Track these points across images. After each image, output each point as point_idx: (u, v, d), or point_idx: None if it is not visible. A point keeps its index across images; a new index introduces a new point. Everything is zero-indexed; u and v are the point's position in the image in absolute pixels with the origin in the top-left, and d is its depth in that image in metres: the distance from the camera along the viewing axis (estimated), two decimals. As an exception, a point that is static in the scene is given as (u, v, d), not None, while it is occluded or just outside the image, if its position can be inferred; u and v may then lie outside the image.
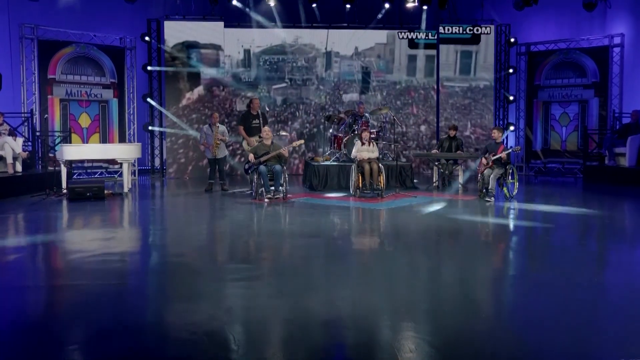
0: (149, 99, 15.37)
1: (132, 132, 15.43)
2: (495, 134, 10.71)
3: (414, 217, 8.47)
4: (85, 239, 6.80)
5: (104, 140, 14.73)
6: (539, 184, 14.17)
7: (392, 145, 12.37)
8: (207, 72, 15.36)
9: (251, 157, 10.48)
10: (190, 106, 15.30)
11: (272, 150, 10.51)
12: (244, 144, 12.05)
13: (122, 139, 15.05)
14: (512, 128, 16.47)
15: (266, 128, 10.81)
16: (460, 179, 12.56)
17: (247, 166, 10.58)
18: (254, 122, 12.03)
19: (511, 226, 8.00)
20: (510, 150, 10.63)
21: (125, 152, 11.24)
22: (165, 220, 8.62)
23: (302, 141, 10.91)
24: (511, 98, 16.41)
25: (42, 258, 6.24)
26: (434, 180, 12.63)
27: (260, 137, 11.37)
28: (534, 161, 16.43)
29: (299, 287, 4.69)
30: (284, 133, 12.29)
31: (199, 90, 15.36)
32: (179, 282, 4.82)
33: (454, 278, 5.07)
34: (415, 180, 12.53)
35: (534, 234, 7.39)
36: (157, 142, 15.82)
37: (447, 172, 12.51)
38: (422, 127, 16.15)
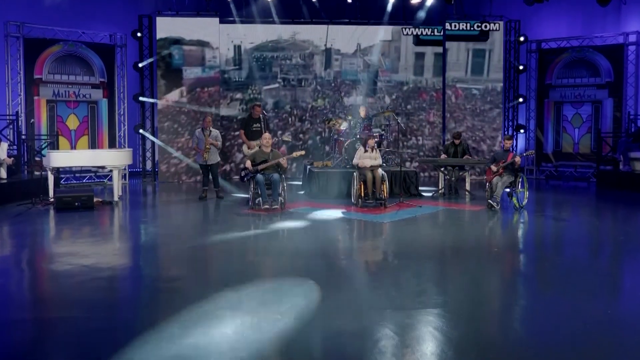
0: (141, 98, 15.31)
1: (122, 134, 15.39)
2: (505, 141, 10.69)
3: (418, 233, 8.41)
4: (70, 260, 6.75)
5: (93, 142, 14.70)
6: (550, 191, 14.14)
7: (397, 154, 12.30)
8: (192, 71, 15.26)
9: (248, 163, 10.44)
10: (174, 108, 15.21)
11: (271, 158, 10.47)
12: (244, 148, 12.10)
13: (112, 141, 15.01)
14: (522, 130, 16.42)
15: (266, 135, 10.76)
16: (467, 186, 12.52)
17: (243, 173, 10.54)
18: (254, 125, 12.12)
19: (521, 245, 7.93)
20: (524, 154, 10.60)
21: (115, 159, 11.20)
22: (156, 236, 8.53)
23: (303, 152, 10.90)
24: (521, 100, 16.36)
25: (23, 282, 6.20)
26: (440, 187, 12.60)
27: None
28: (544, 164, 16.40)
29: (296, 321, 4.65)
30: (286, 137, 12.24)
31: (182, 90, 15.28)
32: (167, 315, 4.77)
33: (464, 309, 5.04)
34: (420, 188, 12.46)
35: (544, 255, 7.32)
36: (148, 143, 15.76)
37: (453, 178, 12.48)
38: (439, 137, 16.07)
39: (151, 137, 15.40)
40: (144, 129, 15.49)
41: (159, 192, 13.77)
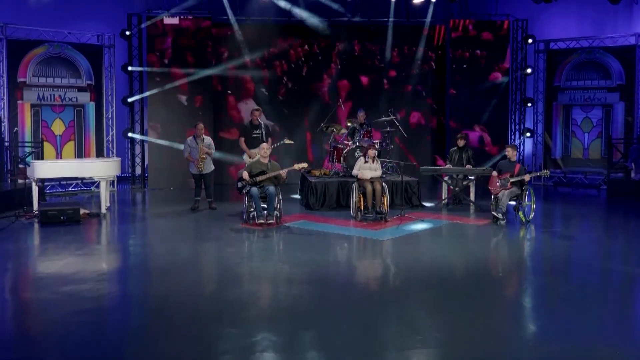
0: (130, 99, 15.25)
1: (110, 139, 15.35)
2: (509, 152, 10.66)
3: (419, 255, 8.35)
4: (54, 287, 6.73)
5: (80, 148, 14.66)
6: (558, 200, 14.14)
7: (399, 166, 12.26)
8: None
9: (245, 175, 10.40)
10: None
11: (269, 170, 10.43)
12: (245, 157, 11.98)
13: (99, 147, 14.98)
14: (528, 134, 16.40)
15: (264, 145, 10.70)
16: (472, 196, 12.50)
17: (240, 185, 10.49)
18: (254, 132, 11.98)
19: (526, 270, 7.89)
20: (537, 174, 10.58)
21: (103, 170, 11.17)
22: (144, 258, 8.45)
23: (305, 165, 10.86)
24: (529, 105, 16.33)
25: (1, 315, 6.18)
26: (443, 198, 12.58)
27: None
28: (553, 170, 16.35)
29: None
30: (288, 141, 12.17)
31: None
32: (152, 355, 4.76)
33: (466, 349, 5.03)
34: (422, 202, 12.41)
35: (551, 282, 7.24)
36: (137, 148, 15.72)
37: (457, 188, 12.46)
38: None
39: (141, 137, 15.35)
40: (133, 133, 15.44)
41: (149, 202, 13.74)
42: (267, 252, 8.47)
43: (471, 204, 12.36)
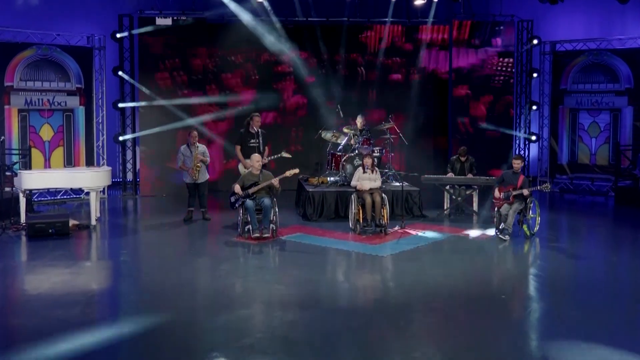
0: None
1: (101, 144, 15.33)
2: (515, 162, 10.64)
3: (419, 273, 8.33)
4: (39, 310, 6.73)
5: (69, 154, 14.61)
6: (564, 208, 14.15)
7: (399, 175, 12.25)
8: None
9: (237, 188, 10.39)
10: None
11: (261, 180, 10.42)
12: (240, 167, 11.90)
13: (89, 153, 14.94)
14: (534, 138, 16.39)
15: (255, 156, 10.67)
16: (475, 206, 12.50)
17: (232, 199, 10.47)
18: (251, 141, 11.86)
19: (530, 291, 7.88)
20: (538, 188, 10.56)
21: (93, 180, 11.16)
22: (135, 276, 8.40)
23: (297, 170, 10.82)
24: (534, 108, 16.32)
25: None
26: (445, 208, 12.57)
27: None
28: (559, 176, 16.36)
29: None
30: (286, 154, 12.07)
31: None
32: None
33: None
34: (424, 212, 12.39)
35: (556, 306, 7.22)
36: (129, 154, 15.70)
37: (459, 198, 12.45)
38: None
39: (132, 136, 15.33)
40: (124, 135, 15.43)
41: (140, 211, 13.74)
42: (262, 270, 8.45)
43: (474, 214, 12.36)
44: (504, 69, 15.94)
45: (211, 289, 7.66)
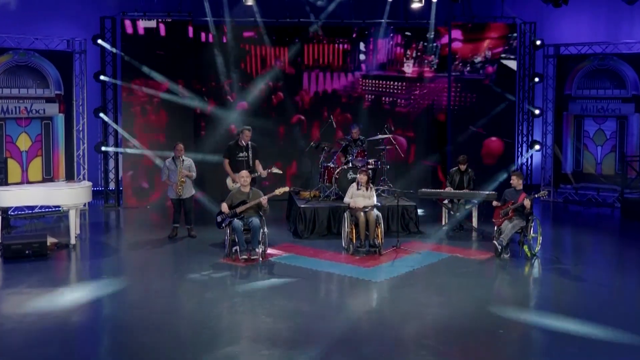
0: (101, 114, 15.20)
1: (81, 153, 15.29)
2: (515, 180, 10.66)
3: (414, 302, 8.35)
4: (15, 349, 6.71)
5: (48, 165, 14.56)
6: (568, 221, 14.19)
7: (394, 192, 12.23)
8: None
9: (224, 207, 10.37)
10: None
11: (250, 198, 10.40)
12: (228, 181, 11.85)
13: (69, 162, 14.90)
14: (537, 147, 16.41)
15: (243, 172, 10.65)
16: (475, 222, 12.52)
17: (219, 218, 10.46)
18: (240, 154, 11.82)
19: (532, 321, 7.88)
20: (536, 196, 10.59)
21: (71, 197, 11.12)
22: (115, 307, 8.31)
23: (287, 188, 10.82)
24: (537, 112, 16.33)
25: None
26: (443, 224, 12.58)
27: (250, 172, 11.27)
28: (563, 186, 16.39)
29: None
30: (277, 170, 12.05)
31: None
32: None
33: None
34: (420, 229, 12.40)
35: (558, 344, 7.27)
36: (111, 163, 15.67)
37: (457, 213, 12.45)
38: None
39: (114, 149, 15.33)
40: (107, 146, 15.38)
41: (124, 226, 13.72)
42: (249, 299, 8.42)
43: (473, 230, 12.37)
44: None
45: (195, 321, 7.64)
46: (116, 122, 15.46)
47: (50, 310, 7.98)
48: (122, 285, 9.26)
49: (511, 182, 10.69)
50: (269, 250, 10.61)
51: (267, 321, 7.59)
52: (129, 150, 15.06)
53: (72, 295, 8.80)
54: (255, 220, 10.24)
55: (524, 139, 16.64)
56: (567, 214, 15.24)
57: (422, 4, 14.41)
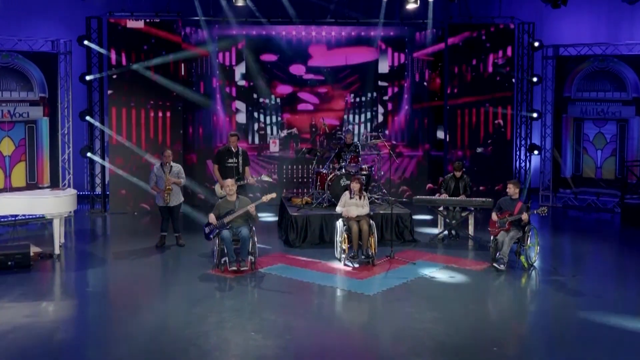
0: (88, 117, 15.18)
1: (66, 158, 15.28)
2: (511, 189, 10.67)
3: (409, 316, 8.33)
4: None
5: (32, 170, 14.53)
6: (567, 228, 14.25)
7: (388, 200, 12.27)
8: None
9: (212, 218, 10.36)
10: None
11: (238, 207, 10.40)
12: (217, 187, 11.89)
13: (54, 167, 14.88)
14: (536, 152, 16.44)
15: (229, 181, 10.63)
16: (471, 230, 12.55)
17: (207, 229, 10.45)
18: (229, 160, 11.85)
19: (527, 341, 7.89)
20: (535, 212, 10.61)
21: (56, 206, 11.10)
22: (99, 324, 8.23)
23: (274, 195, 10.83)
24: (535, 115, 16.37)
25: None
26: (439, 232, 12.61)
27: (237, 179, 11.28)
28: (562, 190, 16.43)
29: None
30: (267, 177, 12.07)
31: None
32: None
33: None
34: (415, 237, 12.43)
35: (555, 355, 7.32)
36: (97, 168, 15.66)
37: (453, 221, 12.48)
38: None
39: (101, 161, 15.33)
40: (92, 152, 15.36)
41: (110, 234, 13.70)
42: (238, 314, 8.41)
43: (469, 238, 12.40)
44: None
45: (182, 339, 7.62)
46: (102, 124, 15.44)
47: (34, 326, 7.96)
48: (107, 299, 9.28)
49: (507, 190, 10.70)
50: (259, 260, 10.60)
51: (256, 338, 7.59)
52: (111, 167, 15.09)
53: (57, 310, 8.80)
54: (245, 230, 10.25)
55: (523, 142, 16.67)
56: (566, 219, 15.30)
57: (417, 5, 14.42)
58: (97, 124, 15.36)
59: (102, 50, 15.10)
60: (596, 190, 15.98)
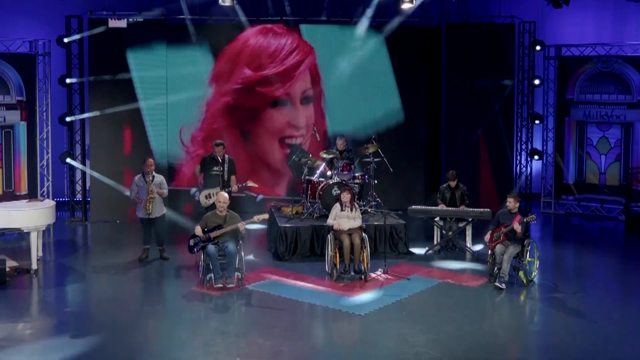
0: (67, 118, 15.15)
1: (45, 163, 15.27)
2: (511, 203, 10.70)
3: (402, 338, 8.33)
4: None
5: (8, 177, 14.54)
6: (569, 237, 14.34)
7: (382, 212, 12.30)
8: None
9: (197, 230, 10.37)
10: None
11: (226, 223, 10.39)
12: (201, 196, 11.90)
13: (32, 174, 14.88)
14: (536, 157, 16.49)
15: (222, 194, 10.60)
16: (468, 241, 12.58)
17: (192, 242, 10.46)
18: (214, 169, 11.88)
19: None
20: (525, 220, 10.62)
21: (33, 220, 11.04)
22: (76, 348, 8.35)
23: (266, 216, 10.87)
24: (537, 123, 16.41)
25: None
26: (434, 243, 12.64)
27: (223, 188, 11.28)
28: (565, 197, 16.48)
29: None
30: (252, 184, 12.11)
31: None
32: None
33: None
34: (410, 249, 12.47)
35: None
36: (78, 174, 15.64)
37: (450, 232, 12.51)
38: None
39: (81, 167, 15.31)
40: (73, 157, 15.33)
41: (91, 245, 13.69)
42: (223, 336, 8.40)
43: (467, 250, 12.44)
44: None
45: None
46: (83, 128, 15.43)
47: (9, 351, 7.95)
48: (87, 320, 9.26)
49: (507, 204, 10.73)
50: (247, 275, 10.61)
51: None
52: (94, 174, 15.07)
53: (34, 333, 8.77)
54: (231, 246, 10.25)
55: (524, 146, 16.70)
56: (569, 228, 15.35)
57: (413, 5, 14.42)
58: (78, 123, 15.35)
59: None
60: (600, 197, 16.02)
